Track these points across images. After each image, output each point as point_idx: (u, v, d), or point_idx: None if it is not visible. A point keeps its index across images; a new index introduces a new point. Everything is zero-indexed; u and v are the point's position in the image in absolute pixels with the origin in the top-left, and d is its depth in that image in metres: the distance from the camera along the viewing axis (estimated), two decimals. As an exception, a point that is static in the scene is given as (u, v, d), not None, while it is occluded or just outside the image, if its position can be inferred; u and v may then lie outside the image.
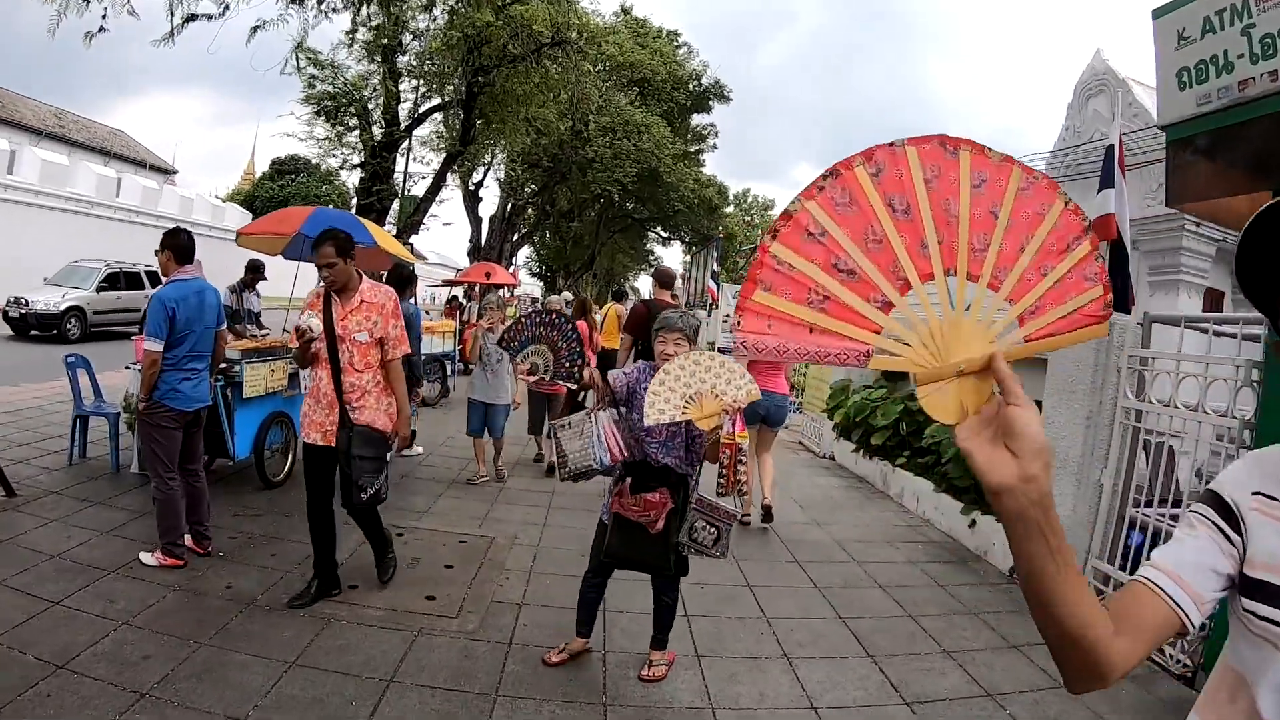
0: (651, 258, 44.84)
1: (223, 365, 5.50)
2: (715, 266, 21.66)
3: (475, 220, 26.93)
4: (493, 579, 4.47)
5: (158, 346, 4.16)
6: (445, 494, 6.23)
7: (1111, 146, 5.79)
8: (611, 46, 23.10)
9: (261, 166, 44.55)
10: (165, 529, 4.25)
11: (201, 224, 26.62)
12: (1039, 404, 5.76)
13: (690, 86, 30.90)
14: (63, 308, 15.23)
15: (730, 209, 44.65)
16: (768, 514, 6.07)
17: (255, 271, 7.84)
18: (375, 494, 3.95)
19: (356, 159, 16.82)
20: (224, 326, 4.79)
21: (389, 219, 17.42)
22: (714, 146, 34.45)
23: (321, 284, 4.00)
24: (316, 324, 3.84)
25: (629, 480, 3.24)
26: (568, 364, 3.68)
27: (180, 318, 4.23)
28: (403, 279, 7.10)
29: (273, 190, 40.43)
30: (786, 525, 6.20)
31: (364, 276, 4.13)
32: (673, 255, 66.51)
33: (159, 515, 4.29)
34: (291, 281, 7.15)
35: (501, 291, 13.29)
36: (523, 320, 3.79)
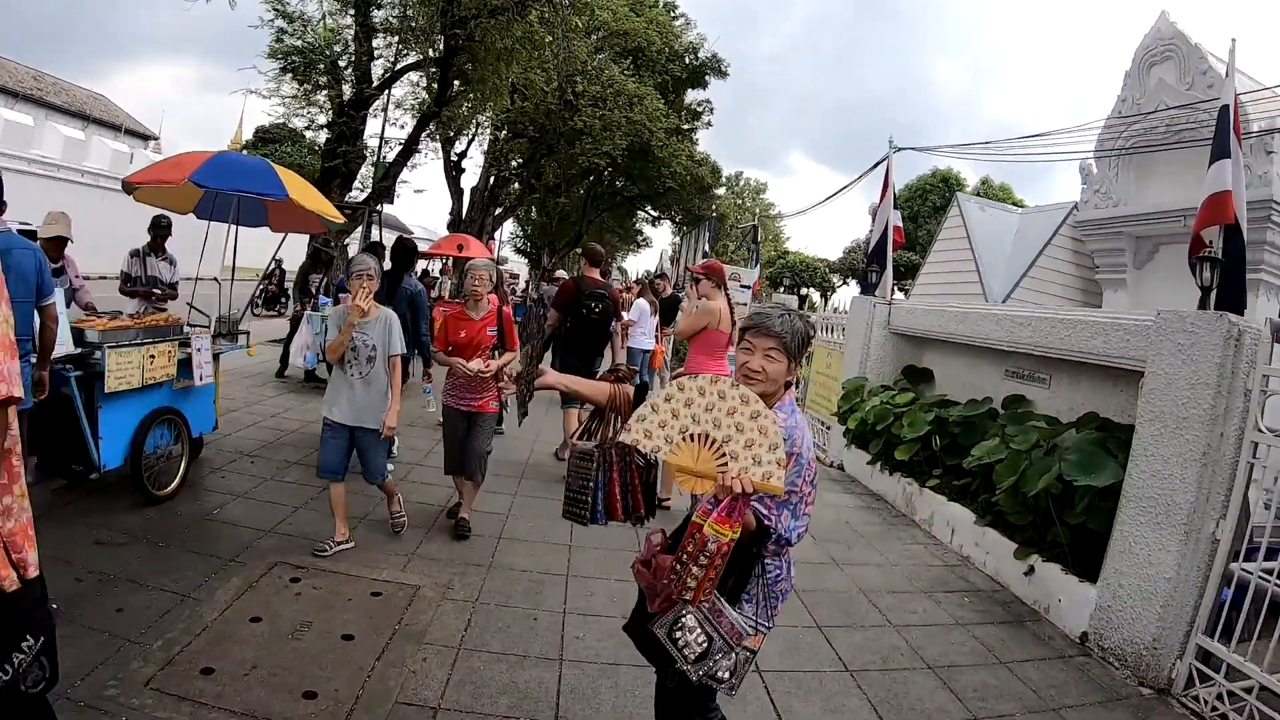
0: (640, 237, 43.55)
1: (77, 351, 4.22)
2: (707, 247, 20.55)
3: (456, 192, 25.46)
4: (405, 660, 3.23)
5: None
6: (372, 514, 4.98)
7: (1226, 108, 4.56)
8: (605, 11, 21.71)
9: (250, 135, 43.68)
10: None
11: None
12: (1130, 429, 4.67)
13: (686, 60, 29.54)
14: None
15: (721, 190, 43.50)
16: None
17: (161, 230, 6.48)
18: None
19: (323, 119, 15.44)
20: (51, 300, 3.52)
21: (356, 185, 16.06)
22: (709, 124, 32.93)
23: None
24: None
25: (669, 539, 2.19)
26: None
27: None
28: (407, 252, 6.05)
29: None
30: (800, 565, 4.97)
31: None
32: (662, 235, 65.37)
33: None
34: (200, 247, 5.82)
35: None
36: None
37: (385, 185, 14.57)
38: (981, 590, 4.99)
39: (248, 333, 5.82)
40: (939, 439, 6.12)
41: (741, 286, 12.18)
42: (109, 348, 4.25)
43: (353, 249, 13.95)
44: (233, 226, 6.06)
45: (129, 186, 5.26)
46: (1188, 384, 4.01)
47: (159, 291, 6.48)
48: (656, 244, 53.09)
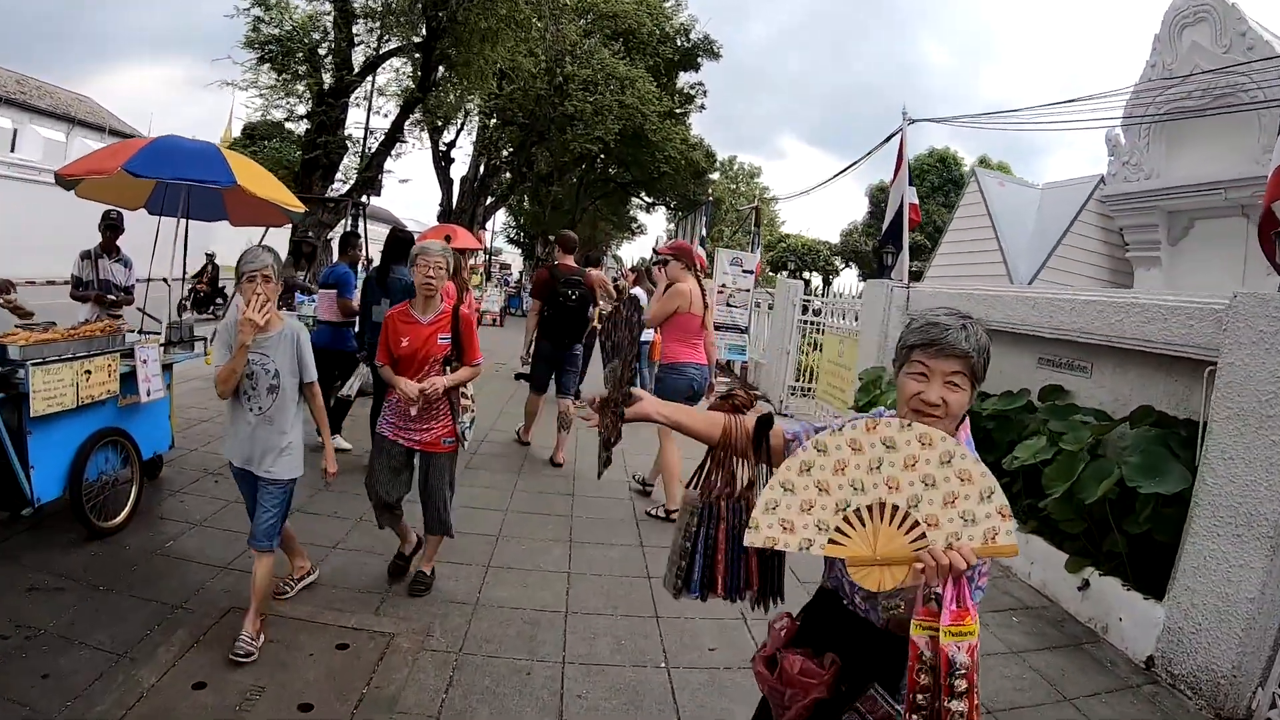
0: (635, 225, 42.95)
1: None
2: (704, 232, 19.99)
3: (446, 183, 24.87)
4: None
5: None
6: (345, 541, 4.45)
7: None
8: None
9: (238, 132, 43.25)
10: None
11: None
12: (1201, 427, 4.03)
13: (677, 41, 28.91)
14: None
15: (716, 175, 42.92)
16: (669, 515, 5.15)
17: (113, 229, 5.90)
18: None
19: (303, 109, 14.86)
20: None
21: (339, 176, 15.47)
22: (702, 107, 32.27)
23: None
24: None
25: (798, 621, 1.80)
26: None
27: None
28: (399, 243, 5.67)
29: (244, 155, 38.15)
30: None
31: None
32: (657, 221, 64.71)
33: None
34: (151, 246, 5.25)
35: (476, 259, 11.44)
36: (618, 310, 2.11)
37: (369, 176, 13.95)
38: (1030, 607, 4.48)
39: (205, 339, 5.27)
40: (972, 436, 5.59)
41: (744, 271, 11.64)
42: (33, 365, 3.70)
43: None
44: (187, 221, 5.48)
45: (63, 180, 4.69)
46: (1272, 377, 3.48)
47: (113, 297, 5.92)
48: (651, 231, 52.44)
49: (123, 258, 6.09)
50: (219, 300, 16.38)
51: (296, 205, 5.43)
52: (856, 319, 8.35)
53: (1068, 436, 4.60)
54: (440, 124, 23.44)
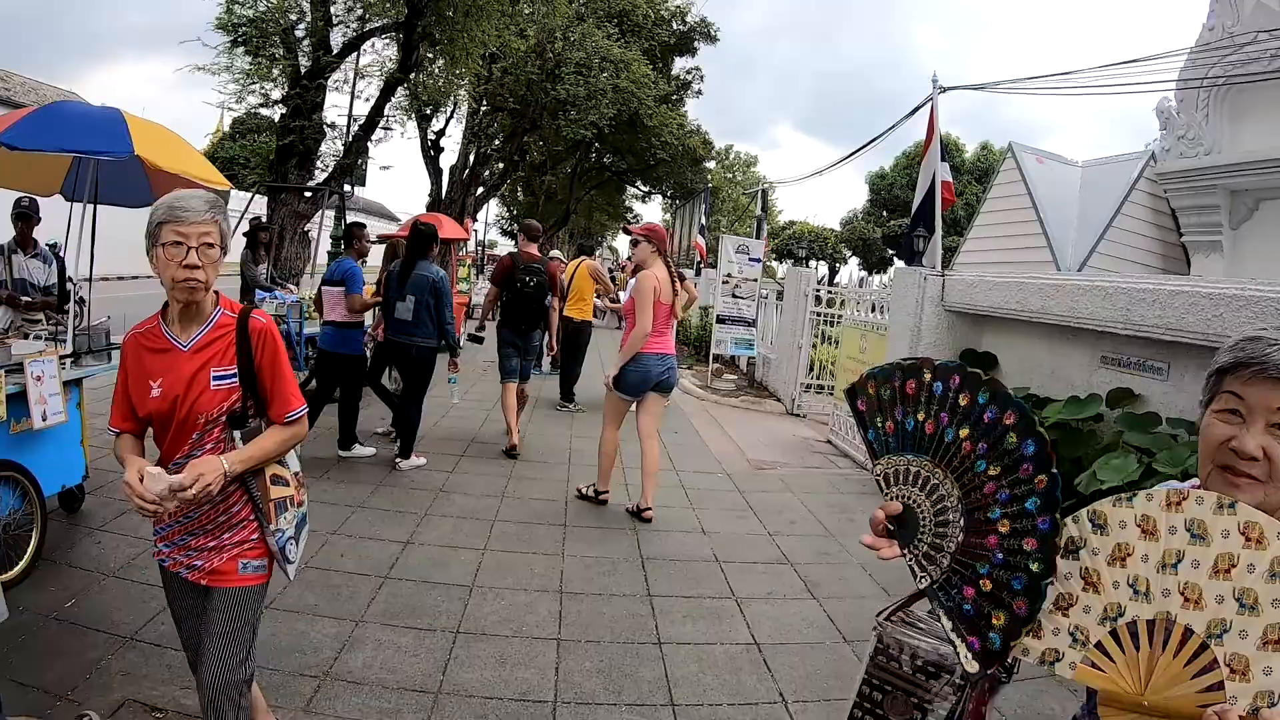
0: (631, 215, 42.12)
1: None
2: (703, 220, 19.18)
3: (435, 173, 23.98)
4: None
5: None
6: (276, 602, 3.65)
7: None
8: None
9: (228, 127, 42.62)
10: None
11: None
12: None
13: (673, 25, 28.12)
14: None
15: (712, 165, 42.23)
16: (642, 515, 4.98)
17: (24, 219, 5.04)
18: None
19: (277, 93, 14.00)
20: None
21: (319, 165, 14.63)
22: (699, 92, 31.41)
23: None
24: None
25: None
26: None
27: None
28: (423, 237, 5.64)
29: (233, 150, 37.87)
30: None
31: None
32: (653, 211, 63.85)
33: None
34: (67, 234, 4.42)
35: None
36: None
37: (348, 163, 13.12)
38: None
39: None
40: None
41: (751, 259, 10.83)
42: None
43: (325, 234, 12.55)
44: (95, 206, 4.61)
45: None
46: None
47: (28, 298, 5.09)
48: (649, 219, 51.47)
49: (41, 252, 5.26)
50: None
51: (220, 182, 4.57)
52: (876, 309, 7.56)
53: (1162, 456, 3.82)
54: (429, 111, 22.58)
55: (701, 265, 18.65)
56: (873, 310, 7.62)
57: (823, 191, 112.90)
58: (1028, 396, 5.27)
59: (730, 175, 53.65)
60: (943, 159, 6.77)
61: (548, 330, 6.93)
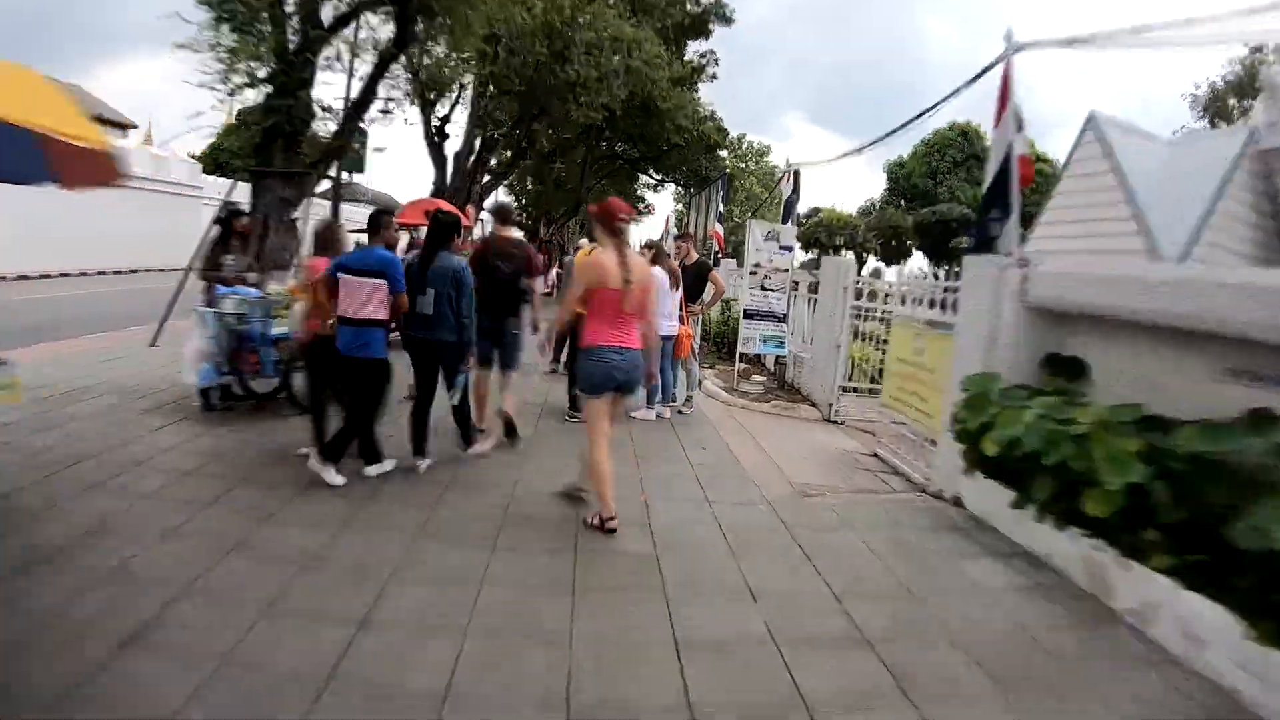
0: (643, 205, 41.14)
1: None
2: (721, 207, 18.07)
3: (439, 160, 23.00)
4: None
5: None
6: (233, 651, 2.67)
7: None
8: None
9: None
10: None
11: (147, 179, 27.05)
12: None
13: (687, 5, 27.07)
14: None
15: (725, 154, 41.23)
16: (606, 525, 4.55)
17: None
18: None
19: (263, 72, 13.05)
20: None
21: (305, 149, 13.67)
22: (714, 76, 30.25)
23: None
24: None
25: None
26: None
27: None
28: (444, 227, 5.37)
29: (240, 143, 36.98)
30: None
31: None
32: (665, 200, 62.67)
33: None
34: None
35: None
36: None
37: (337, 145, 12.16)
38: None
39: (5, 362, 3.48)
40: (1163, 491, 3.77)
41: (781, 247, 9.74)
42: None
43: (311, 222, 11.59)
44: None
45: None
46: None
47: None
48: (660, 211, 50.29)
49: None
50: None
51: (98, 142, 3.47)
52: (934, 305, 6.50)
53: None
54: (432, 97, 21.58)
55: (720, 255, 17.58)
56: (931, 306, 6.56)
57: (838, 181, 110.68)
58: (1146, 418, 4.20)
59: (744, 165, 52.42)
60: (1018, 129, 5.71)
61: (534, 313, 6.40)
